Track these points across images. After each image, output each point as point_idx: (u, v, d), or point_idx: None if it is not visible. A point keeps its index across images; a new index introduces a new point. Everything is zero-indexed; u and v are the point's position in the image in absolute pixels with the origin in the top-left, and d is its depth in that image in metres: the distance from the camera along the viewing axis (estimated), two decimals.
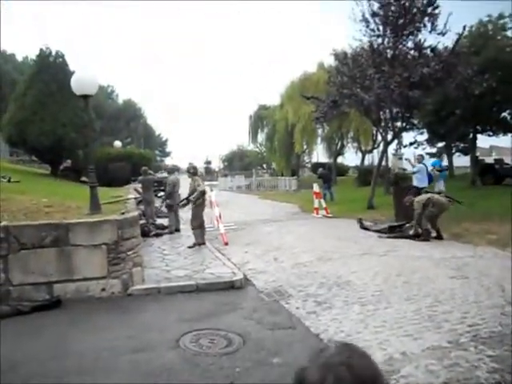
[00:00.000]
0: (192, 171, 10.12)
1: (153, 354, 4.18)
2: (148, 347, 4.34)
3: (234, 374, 3.75)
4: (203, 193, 9.81)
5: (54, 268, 5.81)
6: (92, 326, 5.03)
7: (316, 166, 31.61)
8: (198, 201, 9.76)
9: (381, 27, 14.59)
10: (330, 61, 20.98)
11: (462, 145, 26.36)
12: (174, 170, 13.94)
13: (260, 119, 44.00)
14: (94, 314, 5.48)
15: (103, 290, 6.04)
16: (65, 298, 5.76)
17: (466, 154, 26.86)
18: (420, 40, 14.52)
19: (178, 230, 11.84)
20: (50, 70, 22.50)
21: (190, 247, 9.49)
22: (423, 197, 9.92)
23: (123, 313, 5.49)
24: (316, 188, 15.69)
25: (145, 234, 10.20)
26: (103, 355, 4.14)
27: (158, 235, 11.14)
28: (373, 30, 14.69)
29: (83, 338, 4.61)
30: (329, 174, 21.44)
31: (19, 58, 52.86)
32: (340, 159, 39.04)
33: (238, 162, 54.77)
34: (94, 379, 3.69)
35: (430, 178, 12.73)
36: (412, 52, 14.75)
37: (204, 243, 9.65)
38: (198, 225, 9.77)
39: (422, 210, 9.59)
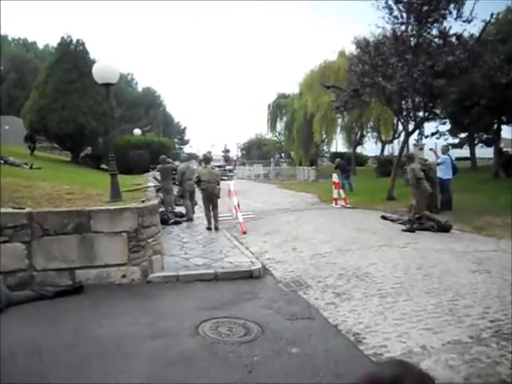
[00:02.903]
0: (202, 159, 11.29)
1: (172, 340, 4.24)
2: (167, 334, 4.39)
3: (252, 362, 3.77)
4: (195, 182, 10.77)
5: (75, 254, 5.91)
6: (113, 311, 5.12)
7: (334, 156, 31.33)
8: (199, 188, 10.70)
9: (404, 14, 14.21)
10: (351, 49, 20.65)
11: (485, 136, 25.77)
12: (188, 158, 14.10)
13: (279, 108, 43.80)
14: (115, 300, 5.57)
15: (123, 276, 6.12)
16: (86, 284, 5.86)
17: (488, 145, 26.26)
18: (445, 27, 14.09)
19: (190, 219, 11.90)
20: (71, 58, 22.76)
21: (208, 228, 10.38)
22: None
23: (143, 300, 5.57)
24: (335, 178, 15.56)
25: (164, 221, 10.30)
26: (124, 341, 4.21)
27: (176, 223, 11.22)
28: (396, 18, 14.32)
29: (104, 324, 4.69)
30: (346, 164, 21.21)
31: (40, 45, 53.75)
32: (359, 149, 38.63)
33: (256, 151, 54.67)
34: (116, 365, 3.75)
35: (455, 170, 12.46)
36: (436, 40, 14.33)
37: (210, 228, 10.40)
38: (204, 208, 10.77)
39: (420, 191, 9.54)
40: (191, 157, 21.06)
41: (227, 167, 36.19)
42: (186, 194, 11.93)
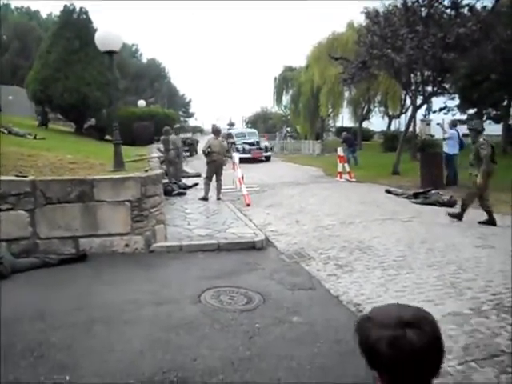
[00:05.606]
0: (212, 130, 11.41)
1: (174, 307, 4.27)
2: (169, 301, 4.43)
3: (253, 329, 3.81)
4: (203, 152, 10.87)
5: (79, 223, 5.92)
6: (116, 279, 5.16)
7: (340, 131, 31.01)
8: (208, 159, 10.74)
9: None
10: (360, 20, 20.15)
11: (494, 112, 25.35)
12: (176, 131, 14.25)
13: (285, 81, 43.16)
14: (118, 268, 5.61)
15: (127, 245, 6.15)
16: (90, 252, 5.89)
17: (497, 121, 25.84)
18: None
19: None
20: (74, 27, 22.35)
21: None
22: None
23: (146, 268, 5.60)
24: (340, 152, 15.41)
25: (167, 193, 10.29)
26: (127, 307, 4.25)
27: (180, 194, 11.23)
28: None
29: (108, 291, 4.74)
30: (353, 139, 21.01)
31: (43, 14, 52.83)
32: (365, 124, 38.17)
33: (261, 124, 54.20)
34: (119, 328, 3.80)
35: (462, 145, 12.28)
36: (448, 11, 13.94)
37: (206, 199, 10.46)
38: (206, 178, 10.81)
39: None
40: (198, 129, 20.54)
41: (262, 143, 25.59)
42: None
